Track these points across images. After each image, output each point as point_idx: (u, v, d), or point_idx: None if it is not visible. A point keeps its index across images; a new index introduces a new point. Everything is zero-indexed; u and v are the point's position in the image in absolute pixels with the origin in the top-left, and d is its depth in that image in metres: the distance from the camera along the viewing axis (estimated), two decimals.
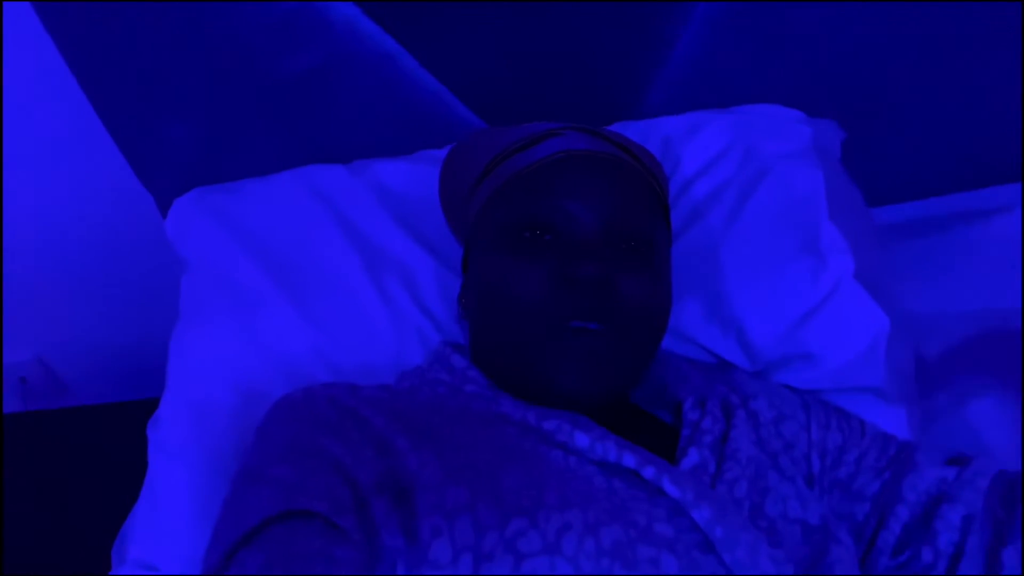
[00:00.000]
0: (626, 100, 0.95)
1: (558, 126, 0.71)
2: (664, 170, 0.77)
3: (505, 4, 0.86)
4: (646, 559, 0.52)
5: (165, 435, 0.79)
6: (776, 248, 0.80)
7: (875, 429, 0.72)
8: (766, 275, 0.79)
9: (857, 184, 0.91)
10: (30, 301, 1.27)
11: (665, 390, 0.72)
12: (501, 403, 0.63)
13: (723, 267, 0.81)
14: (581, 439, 0.59)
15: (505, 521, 0.52)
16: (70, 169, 1.13)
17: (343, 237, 0.86)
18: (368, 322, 0.82)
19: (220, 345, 0.81)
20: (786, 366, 0.78)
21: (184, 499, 0.76)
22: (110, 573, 0.77)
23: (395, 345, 0.82)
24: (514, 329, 0.63)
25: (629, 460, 0.57)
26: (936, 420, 0.84)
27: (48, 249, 1.22)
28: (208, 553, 0.53)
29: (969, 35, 0.92)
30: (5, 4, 0.96)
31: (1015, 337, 0.87)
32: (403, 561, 0.52)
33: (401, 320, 0.82)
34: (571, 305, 0.61)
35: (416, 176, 0.90)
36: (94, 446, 1.19)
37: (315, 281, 0.84)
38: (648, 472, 0.57)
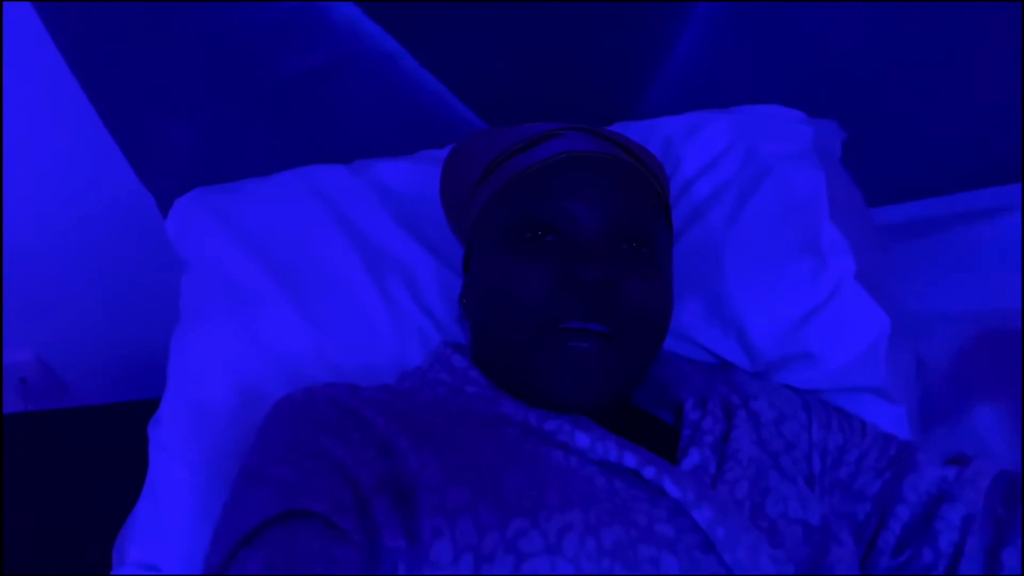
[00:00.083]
0: (626, 100, 0.95)
1: (559, 126, 0.71)
2: (665, 170, 0.77)
3: (505, 4, 0.86)
4: (647, 559, 0.52)
5: (166, 435, 0.79)
6: (777, 248, 0.80)
7: (876, 429, 0.72)
8: (767, 275, 0.79)
9: (858, 184, 0.91)
10: (30, 301, 1.27)
11: (666, 390, 0.72)
12: (502, 404, 0.63)
13: (724, 267, 0.81)
14: (582, 439, 0.59)
15: (506, 521, 0.52)
16: (70, 169, 1.13)
17: (344, 237, 0.86)
18: (369, 322, 0.82)
19: (221, 345, 0.81)
20: (787, 366, 0.78)
21: (185, 499, 0.76)
22: (111, 573, 0.77)
23: (396, 345, 0.82)
24: (515, 330, 0.63)
25: (630, 460, 0.58)
26: (936, 420, 0.84)
27: (49, 249, 1.22)
28: (209, 553, 0.53)
29: (969, 35, 0.92)
30: (5, 4, 0.96)
31: (1015, 337, 0.87)
32: (404, 561, 0.52)
33: (402, 320, 0.82)
34: (573, 307, 0.61)
35: (417, 176, 0.90)
36: (94, 446, 1.19)
37: (316, 281, 0.84)
38: (649, 472, 0.57)
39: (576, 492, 0.55)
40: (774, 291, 0.79)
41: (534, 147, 0.69)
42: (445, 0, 0.85)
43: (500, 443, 0.59)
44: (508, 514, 0.52)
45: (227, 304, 0.83)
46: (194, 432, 0.78)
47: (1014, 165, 1.01)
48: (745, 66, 0.93)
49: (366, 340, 0.82)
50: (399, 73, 0.90)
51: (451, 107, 0.93)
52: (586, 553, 0.51)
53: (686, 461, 0.61)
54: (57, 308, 1.29)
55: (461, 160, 0.77)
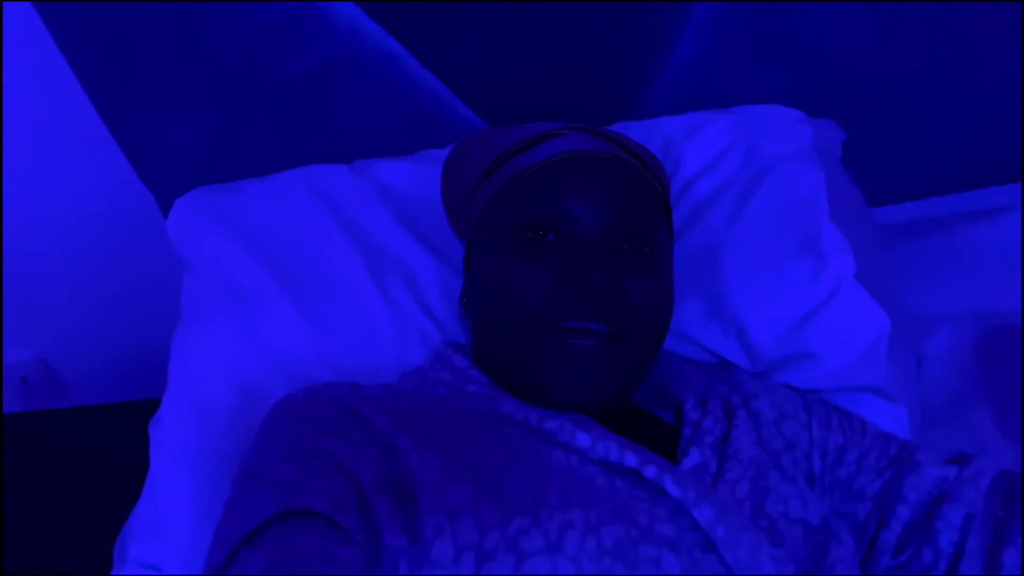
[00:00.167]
0: (626, 100, 0.95)
1: (560, 126, 0.71)
2: (665, 170, 0.77)
3: (505, 4, 0.86)
4: (648, 558, 0.52)
5: (166, 435, 0.79)
6: (777, 248, 0.80)
7: (876, 429, 0.73)
8: (767, 275, 0.80)
9: (858, 184, 0.92)
10: (31, 301, 1.27)
11: (666, 390, 0.72)
12: (503, 403, 0.63)
13: (724, 267, 0.81)
14: (583, 439, 0.59)
15: (507, 520, 0.52)
16: (71, 169, 1.13)
17: (344, 237, 0.86)
18: (370, 322, 0.82)
19: (221, 345, 0.81)
20: (787, 366, 0.79)
21: (185, 499, 0.76)
22: (111, 573, 0.77)
23: (397, 345, 0.82)
24: (516, 329, 0.63)
25: (631, 460, 0.58)
26: (936, 420, 0.84)
27: (49, 249, 1.22)
28: (210, 553, 0.53)
29: (969, 35, 0.92)
30: (5, 4, 0.96)
31: (1015, 337, 0.87)
32: (405, 560, 0.52)
33: (403, 320, 0.82)
34: (575, 307, 0.61)
35: (418, 176, 0.90)
36: (95, 446, 1.19)
37: (316, 281, 0.84)
38: (650, 472, 0.57)
39: (577, 491, 0.55)
40: (774, 291, 0.79)
41: (535, 147, 0.69)
42: (445, 0, 0.85)
43: (501, 442, 0.59)
44: (509, 513, 0.52)
45: (228, 304, 0.83)
46: (195, 432, 0.78)
47: (1014, 165, 1.01)
48: (745, 66, 0.93)
49: (367, 340, 0.82)
50: (399, 73, 0.90)
51: (452, 107, 0.93)
52: (587, 552, 0.51)
53: (686, 461, 0.61)
54: (57, 308, 1.29)
55: (462, 160, 0.77)
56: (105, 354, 1.36)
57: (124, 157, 0.92)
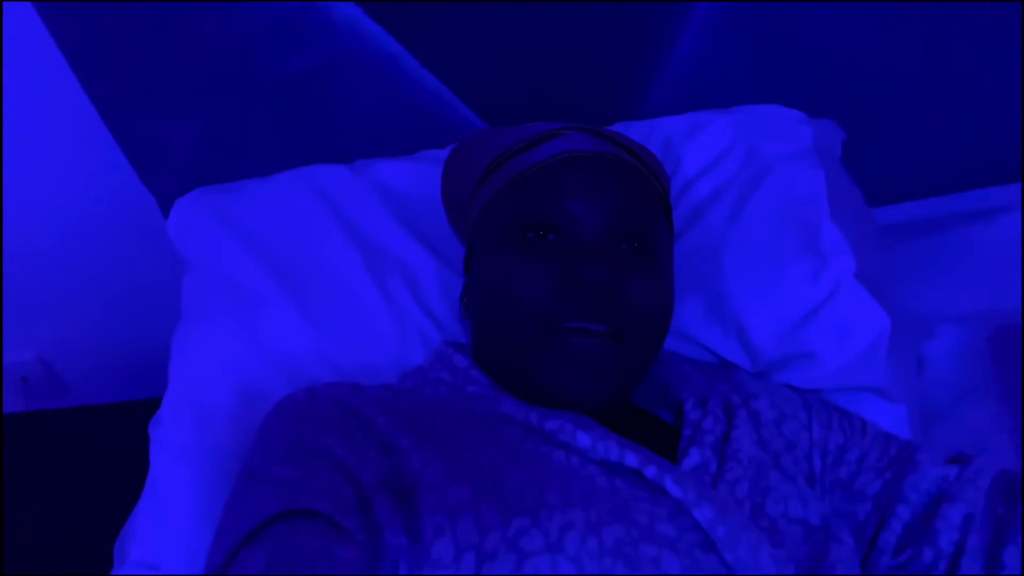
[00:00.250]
0: (626, 100, 0.95)
1: (560, 126, 0.71)
2: (665, 170, 0.77)
3: (505, 4, 0.86)
4: (648, 558, 0.52)
5: (167, 435, 0.79)
6: (777, 248, 0.80)
7: (876, 429, 0.73)
8: (767, 275, 0.80)
9: (858, 184, 0.92)
10: (31, 301, 1.27)
11: (667, 390, 0.72)
12: (503, 403, 0.63)
13: (724, 267, 0.81)
14: (583, 439, 0.59)
15: (508, 520, 0.52)
16: (71, 169, 1.13)
17: (344, 237, 0.86)
18: (370, 322, 0.82)
19: (222, 345, 0.81)
20: (787, 366, 0.79)
21: (186, 499, 0.76)
22: (112, 573, 0.77)
23: (397, 345, 0.82)
24: (517, 329, 0.63)
25: (631, 460, 0.58)
26: (936, 420, 0.84)
27: (49, 249, 1.22)
28: (211, 553, 0.53)
29: (969, 35, 0.92)
30: (5, 4, 0.96)
31: (1015, 337, 0.87)
32: (406, 560, 0.52)
33: (403, 320, 0.82)
34: (575, 307, 0.61)
35: (418, 176, 0.90)
36: (95, 446, 1.19)
37: (317, 281, 0.84)
38: (650, 472, 0.57)
39: (577, 491, 0.55)
40: (774, 291, 0.79)
41: (535, 147, 0.69)
42: (445, 0, 0.85)
43: (501, 442, 0.59)
44: (509, 513, 0.52)
45: (228, 304, 0.83)
46: (195, 432, 0.78)
47: (1014, 165, 1.01)
48: (745, 66, 0.93)
49: (367, 340, 0.82)
50: (400, 73, 0.90)
51: (452, 107, 0.93)
52: (588, 552, 0.51)
53: (687, 461, 0.61)
54: (57, 308, 1.29)
55: (462, 160, 0.77)
56: (105, 354, 1.36)
57: (124, 157, 0.92)
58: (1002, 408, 0.83)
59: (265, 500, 0.53)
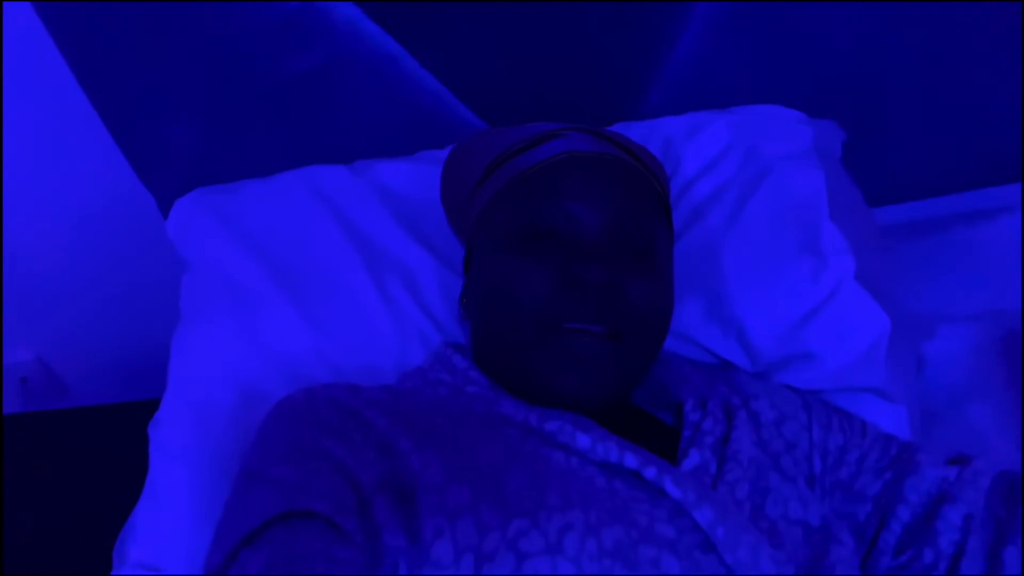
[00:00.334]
0: (626, 100, 0.95)
1: (560, 127, 0.71)
2: (665, 170, 0.77)
3: (505, 4, 0.86)
4: (647, 560, 0.52)
5: (166, 436, 0.79)
6: (777, 248, 0.80)
7: (876, 430, 0.72)
8: (767, 275, 0.79)
9: (858, 184, 0.92)
10: (30, 301, 1.27)
11: (666, 391, 0.72)
12: (502, 404, 0.63)
13: (724, 267, 0.81)
14: (583, 440, 0.59)
15: (507, 521, 0.52)
16: (70, 169, 1.13)
17: (344, 237, 0.86)
18: (369, 323, 0.82)
19: (221, 346, 0.81)
20: (787, 366, 0.78)
21: (185, 500, 0.76)
22: (111, 574, 0.77)
23: (396, 346, 0.82)
24: (516, 330, 0.63)
25: (630, 461, 0.58)
26: (936, 420, 0.84)
27: (48, 249, 1.22)
28: (210, 553, 0.53)
29: (969, 35, 0.92)
30: (5, 4, 0.96)
31: (1015, 337, 0.87)
32: (405, 561, 0.52)
33: (402, 321, 0.82)
34: (575, 307, 0.61)
35: (417, 176, 0.90)
36: (95, 447, 1.19)
37: (316, 282, 0.84)
38: (649, 473, 0.57)
39: (576, 492, 0.55)
40: (774, 291, 0.79)
41: (535, 147, 0.69)
42: (445, 0, 0.85)
43: (501, 443, 0.59)
44: (509, 514, 0.52)
45: (227, 304, 0.83)
46: (194, 432, 0.78)
47: (1014, 165, 1.01)
48: (745, 66, 0.93)
49: (366, 340, 0.82)
50: (399, 73, 0.90)
51: (451, 107, 0.93)
52: (587, 553, 0.51)
53: (686, 462, 0.61)
54: (57, 308, 1.29)
55: (461, 160, 0.77)
56: (105, 354, 1.36)
57: (124, 157, 0.92)
58: (1014, 408, 0.83)
59: (264, 501, 0.53)
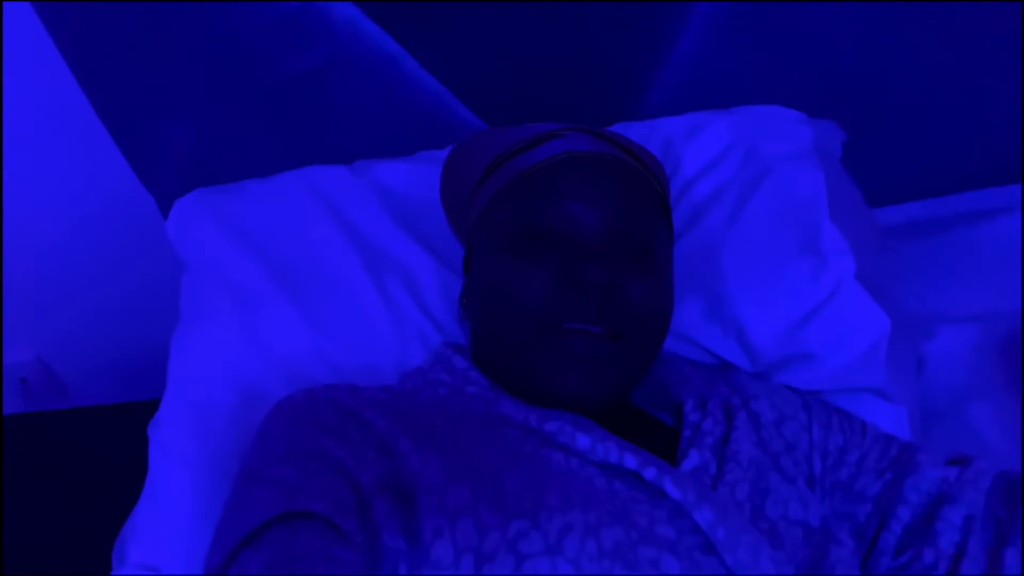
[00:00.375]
0: (626, 100, 0.95)
1: (560, 127, 0.71)
2: (665, 171, 0.77)
3: (505, 5, 0.86)
4: (647, 560, 0.52)
5: (166, 436, 0.79)
6: (777, 248, 0.80)
7: (876, 430, 0.72)
8: (767, 275, 0.79)
9: (858, 184, 0.91)
10: (30, 301, 1.27)
11: (666, 391, 0.72)
12: (502, 404, 0.63)
13: (724, 268, 0.81)
14: (582, 441, 0.59)
15: (507, 522, 0.52)
16: (70, 169, 1.13)
17: (344, 238, 0.86)
18: (369, 323, 0.82)
19: (221, 346, 0.81)
20: (787, 367, 0.78)
21: (185, 500, 0.76)
22: (111, 574, 0.77)
23: (396, 346, 0.82)
24: (516, 330, 0.63)
25: (630, 461, 0.57)
26: (936, 420, 0.84)
27: (48, 249, 1.21)
28: (210, 554, 0.53)
29: (969, 35, 0.92)
30: (5, 4, 0.96)
31: (1015, 338, 0.87)
32: (405, 562, 0.52)
33: (402, 321, 0.82)
34: (575, 308, 0.61)
35: (417, 177, 0.90)
36: (95, 447, 1.19)
37: (316, 282, 0.84)
38: (649, 473, 0.57)
39: (576, 493, 0.55)
40: (774, 291, 0.79)
41: (535, 147, 0.69)
42: (445, 0, 0.85)
43: (501, 444, 0.59)
44: (509, 515, 0.52)
45: (227, 304, 0.83)
46: (194, 433, 0.78)
47: (1014, 165, 1.01)
48: (745, 66, 0.93)
49: (366, 341, 0.82)
50: (399, 74, 0.90)
51: (451, 108, 0.93)
52: (587, 554, 0.51)
53: (686, 462, 0.61)
54: (57, 308, 1.29)
55: (461, 160, 0.77)
56: (105, 354, 1.36)
57: (123, 158, 0.92)
58: (1014, 408, 0.83)
59: (264, 501, 0.53)
